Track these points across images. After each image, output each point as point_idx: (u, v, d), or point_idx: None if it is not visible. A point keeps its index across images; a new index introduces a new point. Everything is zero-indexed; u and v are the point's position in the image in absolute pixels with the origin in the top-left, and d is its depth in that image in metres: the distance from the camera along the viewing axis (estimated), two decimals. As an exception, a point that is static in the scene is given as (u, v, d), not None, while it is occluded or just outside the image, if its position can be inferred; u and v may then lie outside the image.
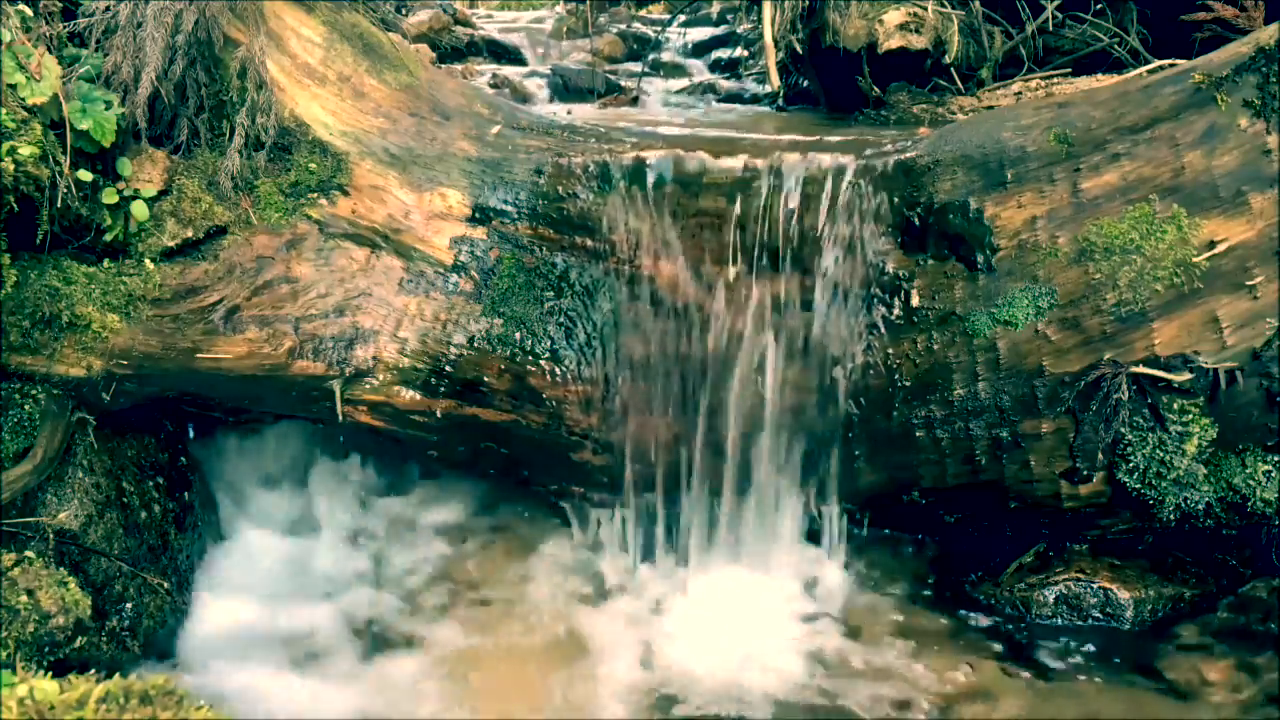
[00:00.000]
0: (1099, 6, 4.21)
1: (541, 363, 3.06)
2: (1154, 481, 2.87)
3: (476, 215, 3.12)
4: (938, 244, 2.99)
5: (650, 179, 3.01)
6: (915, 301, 2.98)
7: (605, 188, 3.05)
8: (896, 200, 2.99)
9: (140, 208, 2.85)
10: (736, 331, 3.05)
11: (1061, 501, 3.00)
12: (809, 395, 3.05)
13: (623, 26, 7.82)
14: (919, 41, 4.04)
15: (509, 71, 6.52)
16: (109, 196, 2.82)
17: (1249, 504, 2.89)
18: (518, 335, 3.06)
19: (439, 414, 3.09)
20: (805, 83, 4.98)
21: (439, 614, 3.18)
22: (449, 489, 3.75)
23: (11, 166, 2.54)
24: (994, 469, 3.00)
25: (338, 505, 3.63)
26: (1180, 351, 2.82)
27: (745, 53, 6.36)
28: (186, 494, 3.20)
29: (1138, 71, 3.39)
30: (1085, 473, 2.93)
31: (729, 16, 7.46)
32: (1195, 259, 2.79)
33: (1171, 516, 2.91)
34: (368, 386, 3.03)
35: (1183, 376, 2.81)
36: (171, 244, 2.90)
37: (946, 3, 4.11)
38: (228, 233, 2.97)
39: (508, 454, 3.19)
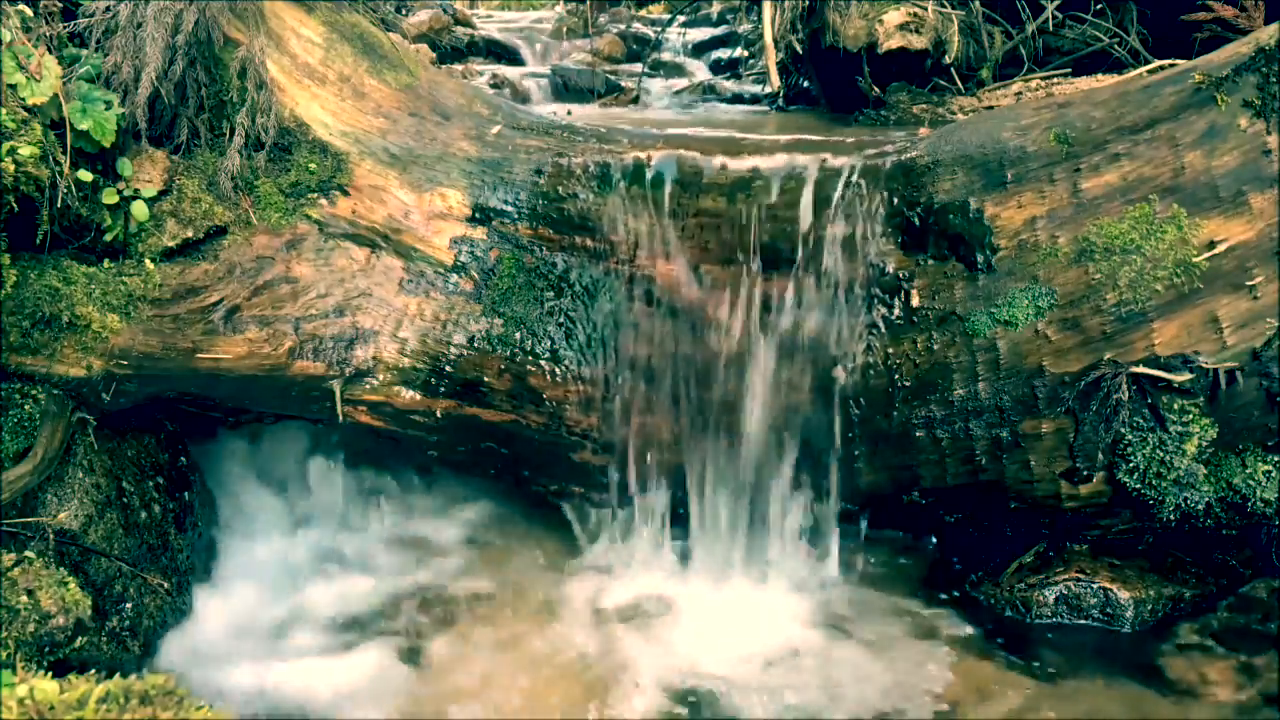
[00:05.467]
0: (1099, 6, 4.21)
1: (541, 363, 3.06)
2: (1154, 481, 2.87)
3: (476, 215, 3.12)
4: (938, 244, 2.98)
5: (650, 179, 3.01)
6: (915, 301, 2.98)
7: (605, 188, 3.05)
8: (896, 200, 2.99)
9: (140, 208, 2.85)
10: (736, 331, 3.05)
11: (1061, 501, 3.00)
12: (809, 395, 3.05)
13: (623, 26, 7.82)
14: (919, 41, 4.04)
15: (509, 71, 6.52)
16: (109, 196, 2.82)
17: (1249, 504, 2.89)
18: (518, 335, 3.06)
19: (439, 414, 3.09)
20: (805, 83, 4.98)
21: (440, 614, 3.18)
22: (450, 489, 3.75)
23: (11, 166, 2.54)
24: (994, 469, 3.00)
25: (339, 505, 3.63)
26: (1180, 351, 2.82)
27: (745, 53, 6.36)
28: (186, 494, 3.20)
29: (1138, 71, 3.39)
30: (1085, 473, 2.93)
31: (729, 16, 7.47)
32: (1195, 259, 2.79)
33: (1171, 516, 2.91)
34: (368, 386, 3.03)
35: (1183, 376, 2.81)
36: (171, 244, 2.90)
37: (946, 3, 4.11)
38: (228, 233, 2.97)
39: (508, 454, 3.19)
